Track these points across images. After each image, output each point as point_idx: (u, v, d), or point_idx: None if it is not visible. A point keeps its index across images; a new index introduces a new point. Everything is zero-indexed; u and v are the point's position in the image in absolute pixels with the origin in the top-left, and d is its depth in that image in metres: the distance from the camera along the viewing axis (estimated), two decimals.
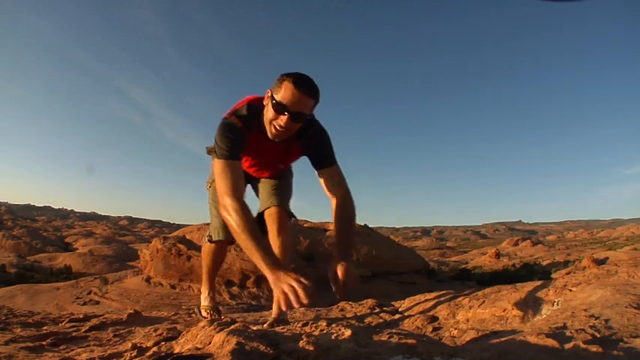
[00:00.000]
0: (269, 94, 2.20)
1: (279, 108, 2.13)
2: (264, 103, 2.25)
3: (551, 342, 1.21)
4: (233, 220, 2.07)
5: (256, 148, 2.46)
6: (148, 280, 18.84)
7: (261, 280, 17.38)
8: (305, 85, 2.13)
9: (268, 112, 2.20)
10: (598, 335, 1.31)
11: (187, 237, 20.53)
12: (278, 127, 2.17)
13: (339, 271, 1.94)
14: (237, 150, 2.30)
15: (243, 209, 2.11)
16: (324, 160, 2.43)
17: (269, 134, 2.25)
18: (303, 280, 1.71)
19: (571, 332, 1.35)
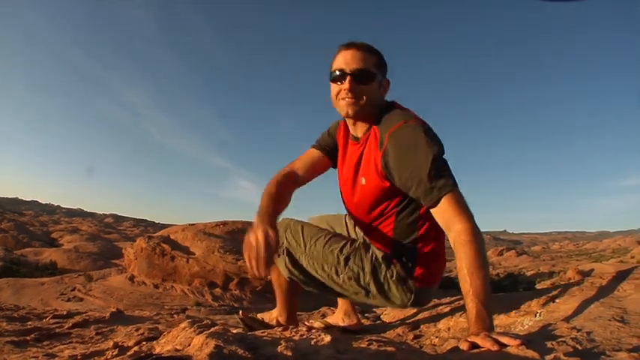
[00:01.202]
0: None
1: (336, 75, 1.93)
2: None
3: (531, 353, 1.18)
4: (269, 183, 2.12)
5: (341, 153, 2.21)
6: (131, 278, 18.73)
7: (244, 282, 17.36)
8: (352, 42, 1.96)
9: (332, 91, 1.98)
10: (579, 347, 1.28)
11: (172, 237, 20.39)
12: (344, 96, 1.91)
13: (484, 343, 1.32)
14: (322, 139, 2.30)
15: (281, 177, 2.16)
16: (419, 187, 1.75)
17: (342, 112, 1.99)
18: (271, 237, 1.71)
19: (552, 344, 1.32)
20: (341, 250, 2.06)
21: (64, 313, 2.99)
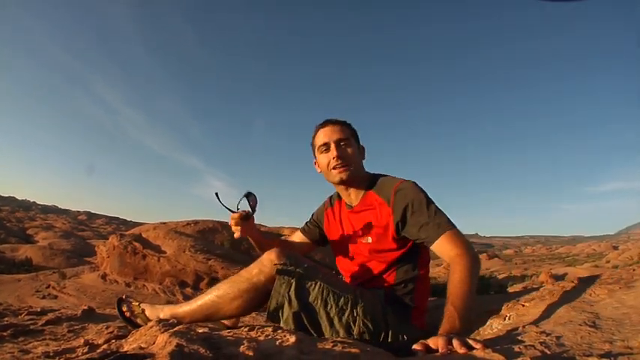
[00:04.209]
0: (314, 161, 2.33)
1: (321, 148, 2.20)
2: (317, 169, 2.33)
3: (497, 357, 1.15)
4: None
5: (336, 226, 2.37)
6: (104, 277, 18.77)
7: (214, 282, 17.30)
8: (327, 119, 2.25)
9: (321, 164, 2.24)
10: (548, 352, 1.25)
11: (143, 235, 20.40)
12: (334, 164, 2.15)
13: (432, 342, 1.39)
14: (310, 222, 2.56)
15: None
16: (425, 228, 1.94)
17: (336, 180, 2.21)
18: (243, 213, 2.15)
19: (520, 348, 1.29)
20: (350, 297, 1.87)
21: (38, 310, 3.04)
